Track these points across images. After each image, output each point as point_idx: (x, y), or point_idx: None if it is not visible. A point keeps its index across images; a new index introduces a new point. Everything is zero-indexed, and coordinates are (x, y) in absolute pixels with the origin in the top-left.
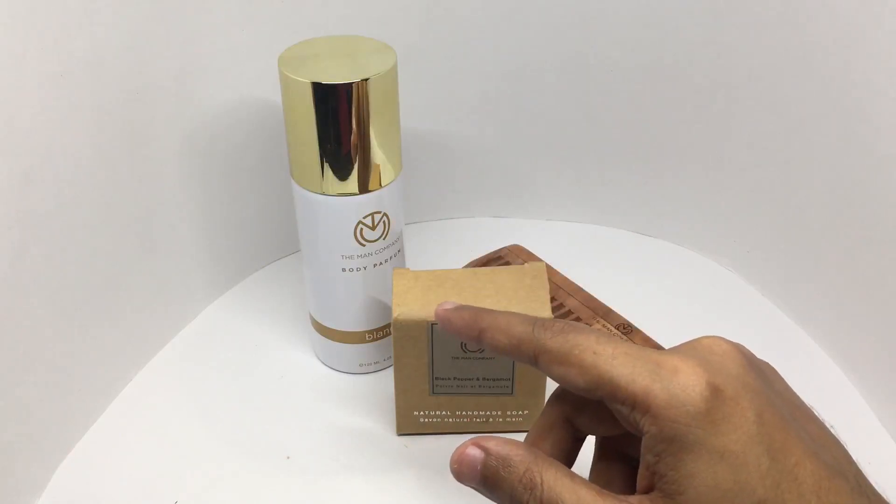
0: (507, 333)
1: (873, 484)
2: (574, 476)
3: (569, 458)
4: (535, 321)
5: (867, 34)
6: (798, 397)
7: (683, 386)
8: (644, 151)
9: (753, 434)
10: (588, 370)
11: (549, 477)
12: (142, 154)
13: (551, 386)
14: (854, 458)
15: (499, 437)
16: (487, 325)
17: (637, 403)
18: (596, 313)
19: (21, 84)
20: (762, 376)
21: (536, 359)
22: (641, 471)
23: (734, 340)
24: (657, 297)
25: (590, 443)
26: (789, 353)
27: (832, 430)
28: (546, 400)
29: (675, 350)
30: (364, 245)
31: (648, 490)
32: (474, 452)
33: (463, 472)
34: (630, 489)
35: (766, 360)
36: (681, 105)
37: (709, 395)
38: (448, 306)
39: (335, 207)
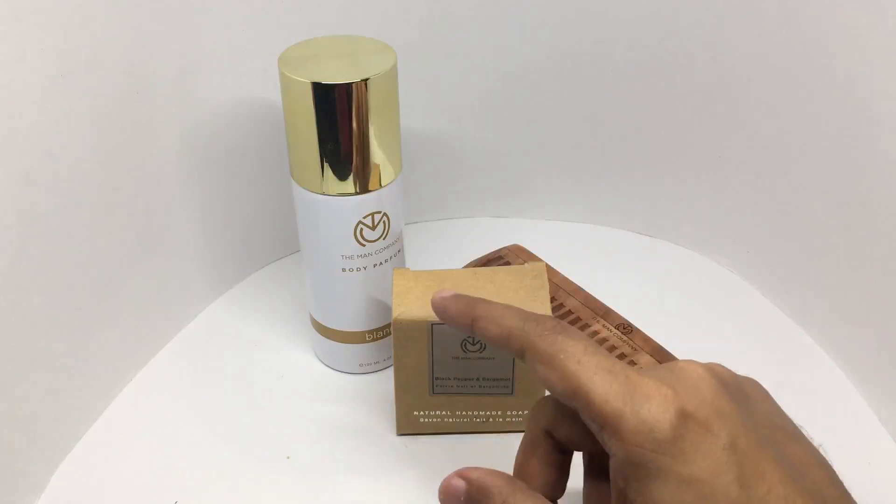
0: (499, 325)
1: (874, 489)
2: None
3: (561, 470)
4: (528, 316)
5: (867, 34)
6: (784, 417)
7: (653, 412)
8: (644, 151)
9: (723, 462)
10: (568, 378)
11: None
12: (142, 154)
13: None
14: (854, 459)
15: (483, 469)
16: (481, 314)
17: (606, 424)
18: (596, 313)
19: (21, 84)
20: (741, 399)
21: (523, 354)
22: (614, 495)
23: (711, 361)
24: (657, 297)
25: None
26: (789, 353)
27: (821, 450)
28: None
29: (653, 373)
30: (364, 245)
31: None
32: (457, 483)
33: (448, 502)
34: None
35: (751, 377)
36: (680, 105)
37: (677, 422)
38: (445, 294)
39: (335, 207)
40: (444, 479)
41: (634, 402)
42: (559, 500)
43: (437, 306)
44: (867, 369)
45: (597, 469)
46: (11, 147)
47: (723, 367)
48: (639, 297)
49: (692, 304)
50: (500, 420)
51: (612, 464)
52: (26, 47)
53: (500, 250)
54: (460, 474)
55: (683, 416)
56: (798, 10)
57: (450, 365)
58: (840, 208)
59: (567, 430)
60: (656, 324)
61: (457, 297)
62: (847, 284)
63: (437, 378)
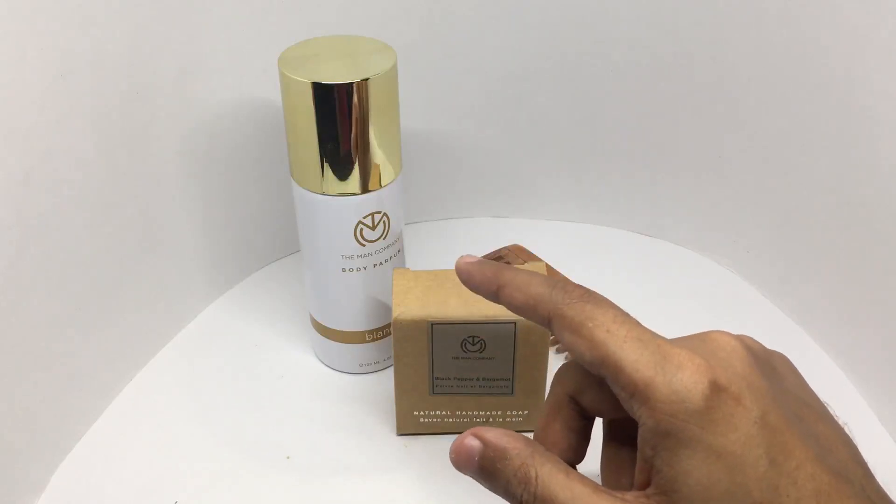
0: (525, 292)
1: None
2: (570, 472)
3: (582, 436)
4: (555, 283)
5: (867, 34)
6: (811, 394)
7: (686, 382)
8: (644, 151)
9: (753, 435)
10: (597, 346)
11: (544, 472)
12: (142, 154)
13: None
14: None
15: (499, 430)
16: (507, 281)
17: (637, 392)
18: None
19: (21, 84)
20: (771, 374)
21: (550, 321)
22: (639, 464)
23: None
24: (657, 297)
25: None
26: (789, 353)
27: (846, 429)
28: (544, 401)
29: (685, 343)
30: (364, 245)
31: (646, 485)
32: (472, 443)
33: (461, 461)
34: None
35: (780, 351)
36: (681, 105)
37: (710, 393)
38: (470, 259)
39: (335, 207)
40: (458, 438)
41: (666, 371)
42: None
43: (462, 272)
44: (867, 369)
45: (617, 436)
46: (11, 147)
47: (753, 339)
48: (639, 297)
49: (692, 304)
50: (500, 420)
51: (641, 432)
52: (26, 47)
53: (500, 250)
54: (475, 433)
55: (716, 388)
56: (798, 10)
57: (450, 365)
58: (840, 208)
59: (592, 396)
60: (656, 324)
61: (482, 262)
62: (847, 284)
63: (437, 378)
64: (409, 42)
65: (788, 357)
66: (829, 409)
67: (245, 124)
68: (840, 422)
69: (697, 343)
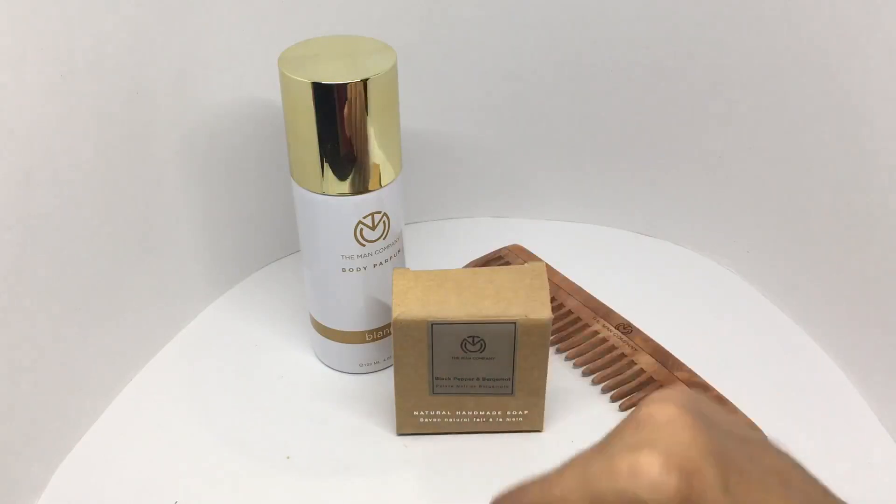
0: None
1: (874, 489)
2: None
3: None
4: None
5: (867, 34)
6: (740, 422)
7: (651, 488)
8: (644, 151)
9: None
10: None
11: None
12: (142, 154)
13: (551, 386)
14: (854, 459)
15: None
16: None
17: None
18: (596, 313)
19: (21, 85)
20: (709, 426)
21: None
22: None
23: (680, 395)
24: (657, 297)
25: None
26: (789, 353)
27: (778, 443)
28: (544, 401)
29: (622, 438)
30: (364, 245)
31: None
32: None
33: None
34: None
35: (704, 395)
36: (680, 105)
37: (678, 483)
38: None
39: (335, 207)
40: None
41: (632, 485)
42: None
43: None
44: (867, 369)
45: None
46: (12, 147)
47: (677, 390)
48: (639, 297)
49: (692, 304)
50: (500, 420)
51: None
52: (26, 47)
53: (500, 250)
54: None
55: (680, 474)
56: (798, 10)
57: (450, 365)
58: (840, 208)
59: None
60: (656, 324)
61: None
62: (847, 284)
63: (437, 378)
64: (409, 42)
65: (785, 358)
66: (760, 428)
67: (245, 124)
68: (769, 437)
69: (633, 432)
